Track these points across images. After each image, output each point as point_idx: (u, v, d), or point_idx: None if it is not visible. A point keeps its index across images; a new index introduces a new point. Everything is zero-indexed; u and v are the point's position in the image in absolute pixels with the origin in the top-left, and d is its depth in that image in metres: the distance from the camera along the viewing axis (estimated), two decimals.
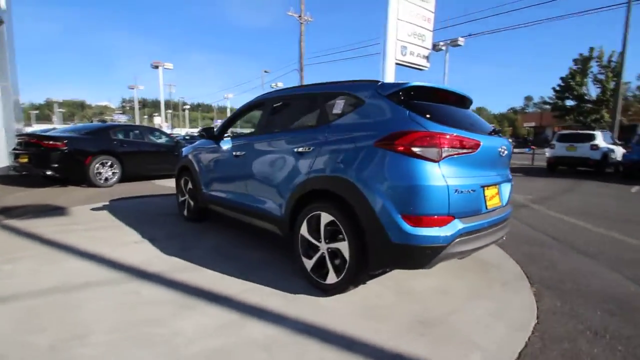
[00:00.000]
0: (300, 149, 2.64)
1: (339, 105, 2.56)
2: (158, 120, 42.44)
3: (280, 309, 2.22)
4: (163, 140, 8.91)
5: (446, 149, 2.03)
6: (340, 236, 2.30)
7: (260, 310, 2.21)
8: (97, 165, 7.09)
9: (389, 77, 12.71)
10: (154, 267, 2.87)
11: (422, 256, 2.01)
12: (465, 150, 2.11)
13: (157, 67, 32.79)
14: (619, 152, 12.09)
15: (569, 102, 26.21)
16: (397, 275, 2.78)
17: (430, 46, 14.67)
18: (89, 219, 4.42)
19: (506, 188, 2.65)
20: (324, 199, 2.44)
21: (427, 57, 14.58)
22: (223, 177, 3.67)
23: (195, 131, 39.71)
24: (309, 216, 2.51)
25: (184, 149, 4.81)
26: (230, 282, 2.63)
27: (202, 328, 1.99)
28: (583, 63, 19.46)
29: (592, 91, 23.94)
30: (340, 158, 2.32)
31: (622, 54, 14.77)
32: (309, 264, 2.54)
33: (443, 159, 2.03)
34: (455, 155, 2.08)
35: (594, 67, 19.18)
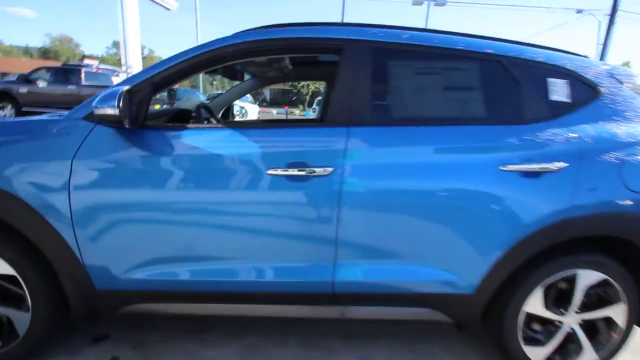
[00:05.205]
0: (524, 166, 1.45)
1: (561, 89, 1.55)
2: None
3: None
4: None
5: None
6: (599, 299, 1.62)
7: None
8: None
9: (132, 14, 9.33)
10: None
11: None
12: None
13: None
14: None
15: None
16: None
17: None
18: None
19: None
20: (584, 249, 1.61)
21: None
22: (221, 232, 1.48)
23: None
24: (549, 281, 1.56)
25: None
26: None
27: None
28: None
29: None
30: (622, 180, 1.46)
31: None
32: (539, 353, 1.65)
33: None
34: None
35: None
